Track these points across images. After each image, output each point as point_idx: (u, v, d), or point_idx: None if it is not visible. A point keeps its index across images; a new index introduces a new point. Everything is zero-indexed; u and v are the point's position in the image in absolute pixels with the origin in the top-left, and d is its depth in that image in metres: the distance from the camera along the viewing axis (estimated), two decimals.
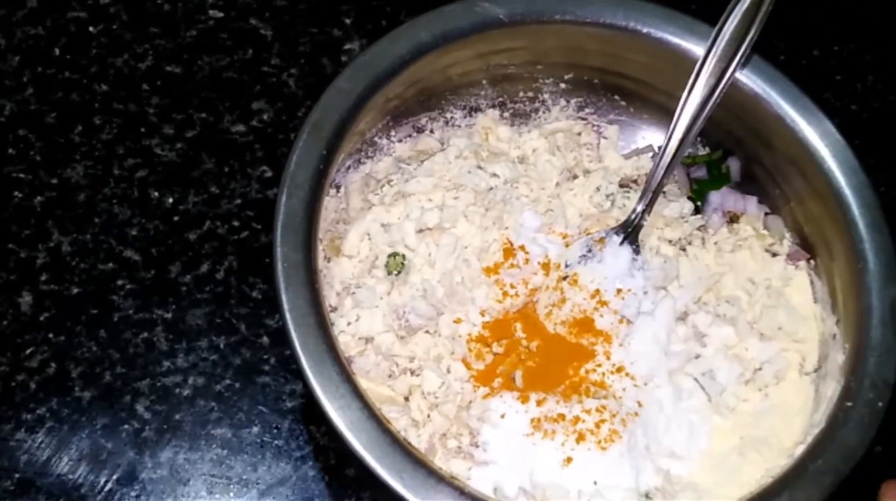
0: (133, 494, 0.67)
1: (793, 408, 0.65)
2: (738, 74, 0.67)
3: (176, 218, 0.76)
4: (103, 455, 0.68)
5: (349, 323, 0.65)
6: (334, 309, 0.66)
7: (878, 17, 0.90)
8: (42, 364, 0.70)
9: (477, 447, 0.62)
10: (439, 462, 0.61)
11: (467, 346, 0.65)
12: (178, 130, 0.79)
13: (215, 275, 0.74)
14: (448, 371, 0.64)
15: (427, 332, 0.65)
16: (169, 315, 0.72)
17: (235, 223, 0.76)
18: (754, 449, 0.63)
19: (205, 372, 0.71)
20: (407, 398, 0.64)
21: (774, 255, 0.71)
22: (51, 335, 0.71)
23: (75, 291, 0.73)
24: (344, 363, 0.57)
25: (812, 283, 0.69)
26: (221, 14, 0.85)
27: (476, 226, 0.68)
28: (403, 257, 0.67)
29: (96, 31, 0.83)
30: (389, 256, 0.67)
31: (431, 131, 0.74)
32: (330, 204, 0.68)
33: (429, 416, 0.63)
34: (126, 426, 0.68)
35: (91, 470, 0.67)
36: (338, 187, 0.69)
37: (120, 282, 0.73)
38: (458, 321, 0.66)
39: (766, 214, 0.73)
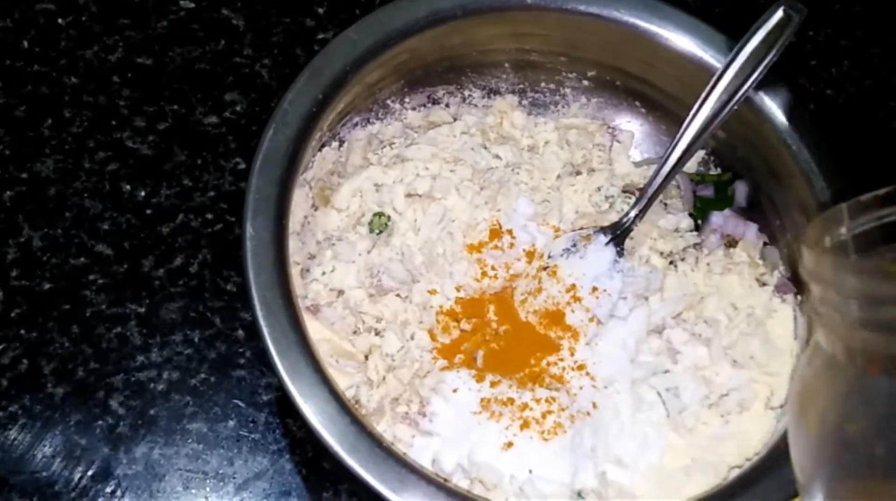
0: (108, 490, 0.66)
1: (751, 440, 0.63)
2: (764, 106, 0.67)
3: (148, 211, 0.75)
4: (77, 451, 0.67)
5: (324, 273, 0.65)
6: (312, 257, 0.66)
7: (853, 2, 0.90)
8: (14, 361, 0.69)
9: (424, 416, 0.62)
10: (385, 424, 0.61)
11: (436, 317, 0.65)
12: (149, 123, 0.79)
13: (189, 268, 0.73)
14: (412, 338, 0.64)
15: (398, 296, 0.65)
16: (142, 310, 0.72)
17: (209, 216, 0.76)
18: (701, 471, 0.62)
19: (179, 367, 0.70)
20: (367, 357, 0.64)
21: (763, 285, 0.69)
22: (22, 332, 0.70)
23: (47, 286, 0.72)
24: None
25: (795, 319, 0.68)
26: (193, 4, 0.84)
27: (467, 202, 0.68)
28: (388, 218, 0.67)
29: (65, 23, 0.82)
30: (374, 215, 0.67)
31: (447, 105, 0.74)
32: (328, 155, 0.69)
33: (384, 378, 0.63)
34: (100, 422, 0.68)
35: (65, 467, 0.66)
36: (341, 142, 0.70)
37: (92, 277, 0.72)
38: (432, 292, 0.66)
39: (765, 243, 0.71)
